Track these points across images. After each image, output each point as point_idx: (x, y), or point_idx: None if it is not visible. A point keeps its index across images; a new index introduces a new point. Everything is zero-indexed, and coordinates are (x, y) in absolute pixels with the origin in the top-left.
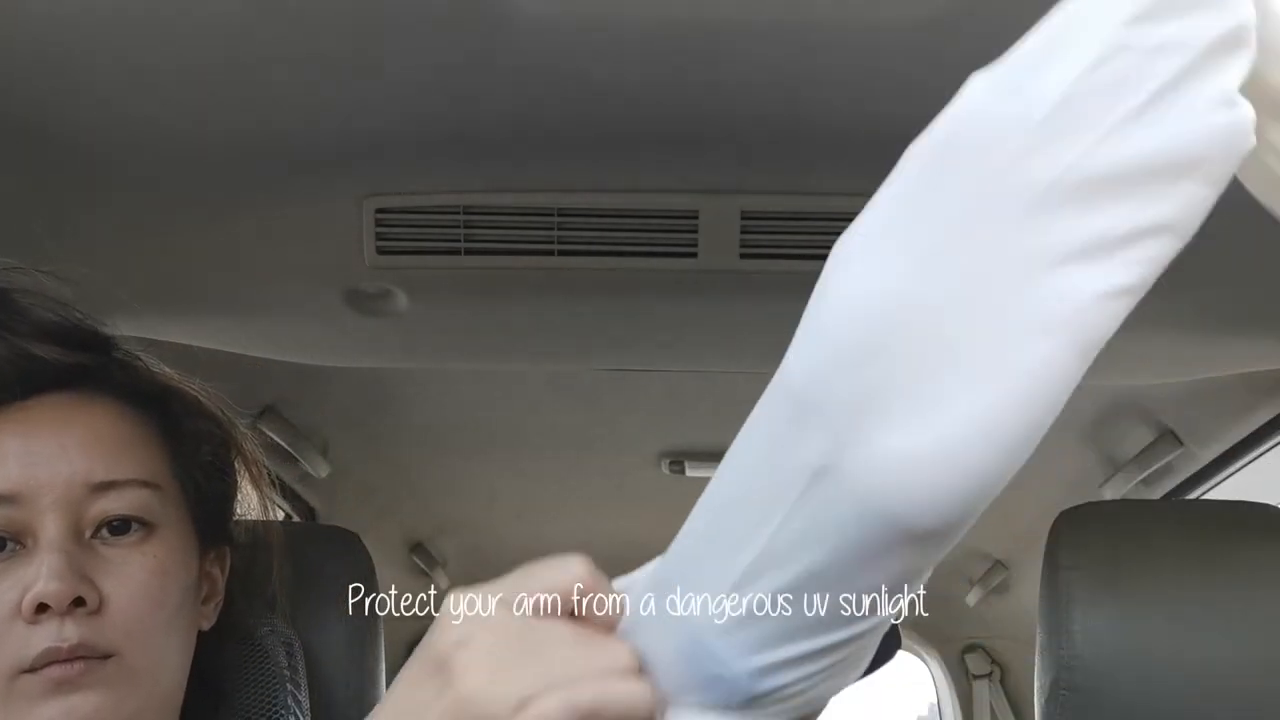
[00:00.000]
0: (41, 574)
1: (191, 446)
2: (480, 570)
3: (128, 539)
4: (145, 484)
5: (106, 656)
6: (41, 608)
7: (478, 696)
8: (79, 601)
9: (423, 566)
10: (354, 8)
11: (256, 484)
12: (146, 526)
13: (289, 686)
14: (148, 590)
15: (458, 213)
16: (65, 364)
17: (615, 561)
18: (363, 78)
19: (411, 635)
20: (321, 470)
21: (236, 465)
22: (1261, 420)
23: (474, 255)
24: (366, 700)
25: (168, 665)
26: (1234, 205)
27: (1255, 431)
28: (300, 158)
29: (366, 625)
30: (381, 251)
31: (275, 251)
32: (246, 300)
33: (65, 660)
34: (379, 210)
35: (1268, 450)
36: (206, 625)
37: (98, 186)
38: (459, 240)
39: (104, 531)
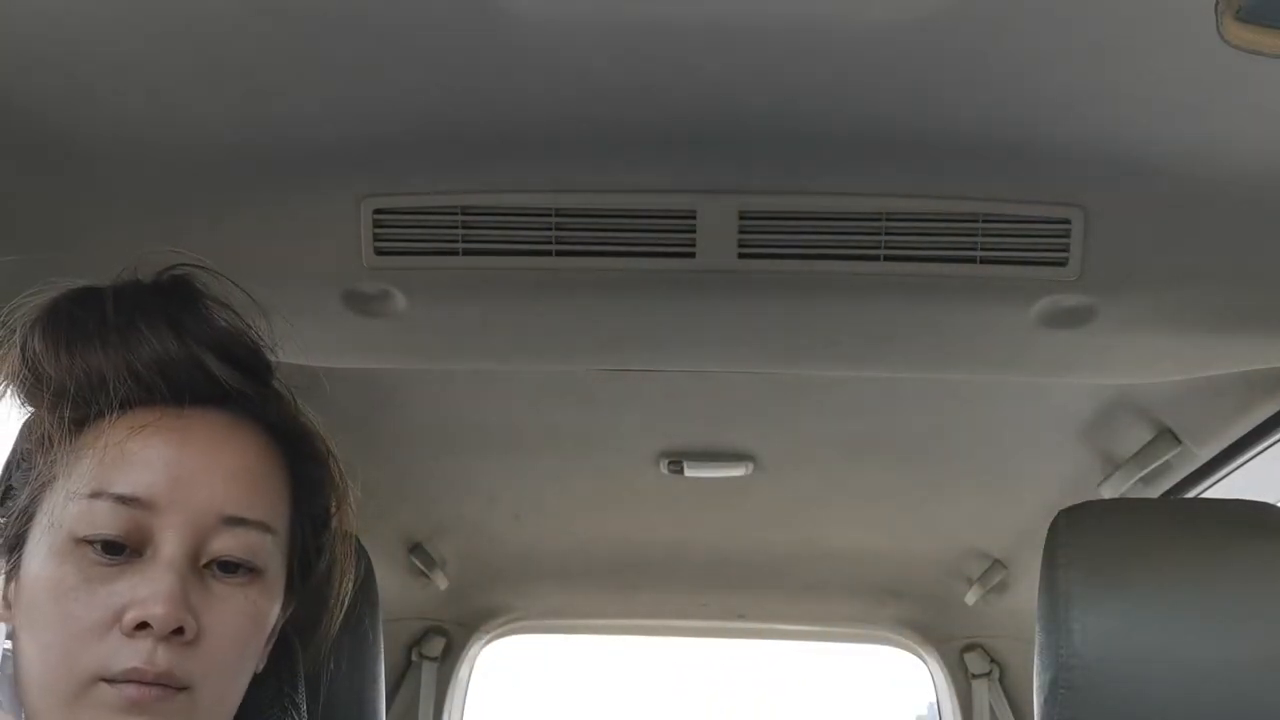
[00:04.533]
0: (157, 594)
1: (309, 495)
2: (479, 571)
3: (235, 579)
4: (267, 528)
5: (183, 689)
6: (142, 625)
7: None
8: (178, 630)
9: (421, 567)
10: (352, 9)
11: (345, 534)
12: (254, 571)
13: (285, 689)
14: (239, 633)
15: (455, 213)
16: (229, 383)
17: (614, 560)
18: (361, 79)
19: (410, 636)
20: None
21: (333, 514)
22: (1260, 419)
23: (472, 256)
24: (365, 701)
25: (227, 705)
26: (1233, 205)
27: (1253, 430)
28: (298, 159)
29: (365, 626)
30: (380, 252)
31: (273, 252)
32: (244, 301)
33: (146, 683)
34: (377, 211)
35: (1266, 449)
36: (259, 667)
37: (96, 187)
38: (457, 241)
39: (215, 566)
